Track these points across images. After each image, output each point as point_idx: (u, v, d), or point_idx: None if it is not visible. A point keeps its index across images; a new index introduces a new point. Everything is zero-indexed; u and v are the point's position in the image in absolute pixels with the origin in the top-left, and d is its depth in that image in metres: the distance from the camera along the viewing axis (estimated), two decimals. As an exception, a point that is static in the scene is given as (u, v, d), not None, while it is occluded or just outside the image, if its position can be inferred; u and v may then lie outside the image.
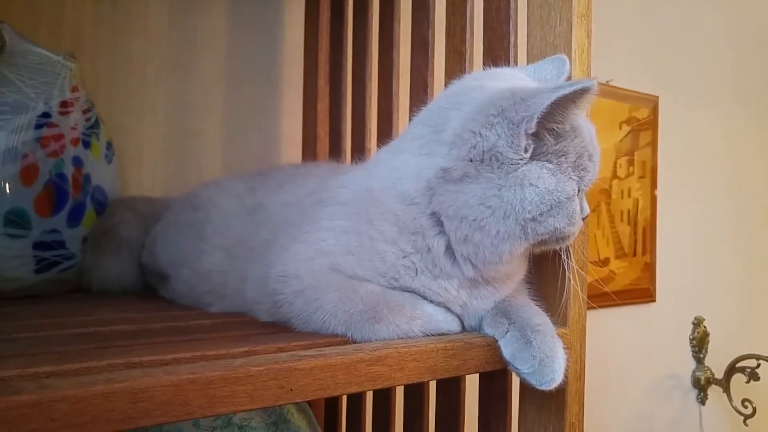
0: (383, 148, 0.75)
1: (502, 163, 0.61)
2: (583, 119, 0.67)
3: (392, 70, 1.08)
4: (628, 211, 2.10)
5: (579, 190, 0.65)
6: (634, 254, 2.12)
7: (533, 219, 0.62)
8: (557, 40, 0.74)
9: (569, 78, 0.72)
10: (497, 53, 0.82)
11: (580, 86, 0.59)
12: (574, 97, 0.60)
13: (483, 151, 0.62)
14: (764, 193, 2.59)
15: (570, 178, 0.63)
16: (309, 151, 1.31)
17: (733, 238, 2.46)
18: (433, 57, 0.99)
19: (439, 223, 0.65)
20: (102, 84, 1.17)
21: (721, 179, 2.42)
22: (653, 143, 2.16)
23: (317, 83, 1.30)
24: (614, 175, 2.05)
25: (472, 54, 0.89)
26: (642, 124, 2.11)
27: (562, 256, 0.70)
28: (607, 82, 1.97)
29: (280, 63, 1.40)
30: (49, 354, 0.53)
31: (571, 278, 0.71)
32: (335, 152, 1.25)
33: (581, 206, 0.67)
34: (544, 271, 0.76)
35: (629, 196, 2.10)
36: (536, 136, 0.62)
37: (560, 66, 0.70)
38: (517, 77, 0.71)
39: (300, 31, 1.36)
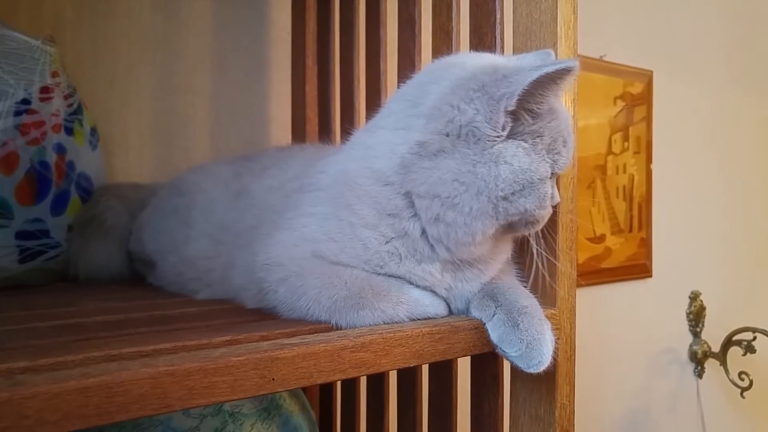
0: (360, 128, 0.74)
1: (479, 139, 0.61)
2: (560, 104, 0.66)
3: (380, 49, 1.07)
4: (624, 187, 2.09)
5: (552, 174, 0.64)
6: (630, 230, 2.11)
7: (505, 198, 0.61)
8: (543, 16, 0.72)
9: None
10: (484, 30, 0.80)
11: (562, 66, 0.59)
12: (556, 77, 0.60)
13: (460, 126, 0.61)
14: (758, 166, 2.58)
15: (544, 159, 0.63)
16: (298, 133, 1.30)
17: (728, 212, 2.46)
18: (420, 35, 0.97)
19: (413, 204, 0.64)
20: (85, 68, 1.15)
21: (716, 153, 2.41)
22: (648, 118, 2.14)
23: (305, 63, 1.28)
24: (609, 151, 2.04)
25: (458, 31, 0.87)
26: (636, 99, 2.09)
27: (531, 242, 0.69)
28: (601, 57, 1.95)
29: (268, 43, 1.38)
30: (26, 348, 0.51)
31: (539, 264, 0.70)
32: (325, 133, 1.24)
33: (552, 193, 0.66)
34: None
35: (624, 171, 2.08)
36: (514, 114, 0.61)
37: (545, 59, 0.69)
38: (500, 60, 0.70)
39: (287, 10, 1.34)
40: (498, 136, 0.61)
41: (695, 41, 2.31)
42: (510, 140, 0.61)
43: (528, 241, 0.70)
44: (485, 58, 0.68)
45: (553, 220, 0.72)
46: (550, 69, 0.59)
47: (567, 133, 0.65)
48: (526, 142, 0.62)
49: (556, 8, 0.71)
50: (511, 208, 0.61)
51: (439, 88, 0.64)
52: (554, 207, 0.69)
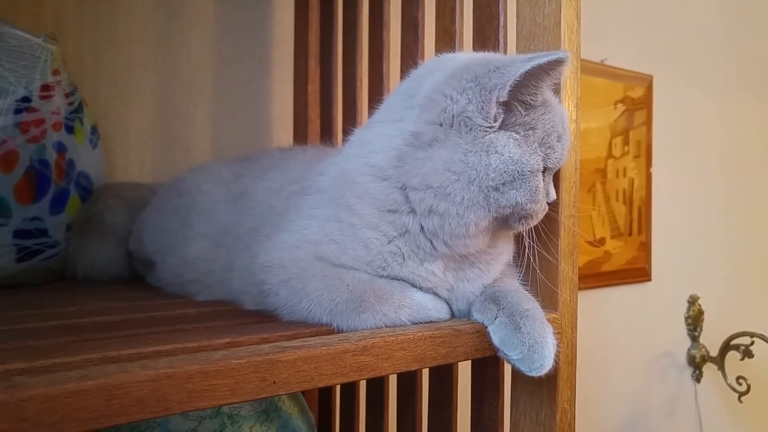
0: (359, 128, 0.74)
1: (471, 129, 0.61)
2: (557, 102, 0.67)
3: (382, 51, 1.06)
4: (624, 191, 2.08)
5: (545, 169, 0.64)
6: (630, 234, 2.11)
7: (496, 188, 0.61)
8: (546, 20, 0.72)
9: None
10: (487, 34, 0.80)
11: (554, 57, 0.60)
12: (548, 68, 0.61)
13: (453, 116, 0.61)
14: (758, 171, 2.58)
15: (536, 152, 0.63)
16: (300, 133, 1.29)
17: (727, 217, 2.46)
18: (423, 38, 0.97)
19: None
20: (86, 66, 1.14)
21: (716, 158, 2.41)
22: (648, 122, 2.14)
23: (308, 64, 1.27)
24: (609, 155, 2.03)
25: (462, 34, 0.87)
26: (636, 103, 2.09)
27: (525, 237, 0.69)
28: (602, 61, 1.95)
29: (270, 43, 1.37)
30: (23, 349, 0.51)
31: (531, 258, 0.70)
32: (326, 134, 1.23)
33: (548, 190, 0.66)
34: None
35: (624, 175, 2.08)
36: (507, 106, 0.62)
37: None
38: None
39: (290, 10, 1.33)
40: (490, 127, 0.61)
41: (695, 46, 2.31)
42: (502, 131, 0.62)
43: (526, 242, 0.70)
44: (483, 54, 0.68)
45: (554, 224, 0.72)
46: (542, 60, 0.59)
47: (561, 129, 0.65)
48: (518, 133, 0.62)
49: (560, 13, 0.71)
50: (503, 200, 0.61)
51: (434, 78, 0.65)
52: (552, 206, 0.69)
